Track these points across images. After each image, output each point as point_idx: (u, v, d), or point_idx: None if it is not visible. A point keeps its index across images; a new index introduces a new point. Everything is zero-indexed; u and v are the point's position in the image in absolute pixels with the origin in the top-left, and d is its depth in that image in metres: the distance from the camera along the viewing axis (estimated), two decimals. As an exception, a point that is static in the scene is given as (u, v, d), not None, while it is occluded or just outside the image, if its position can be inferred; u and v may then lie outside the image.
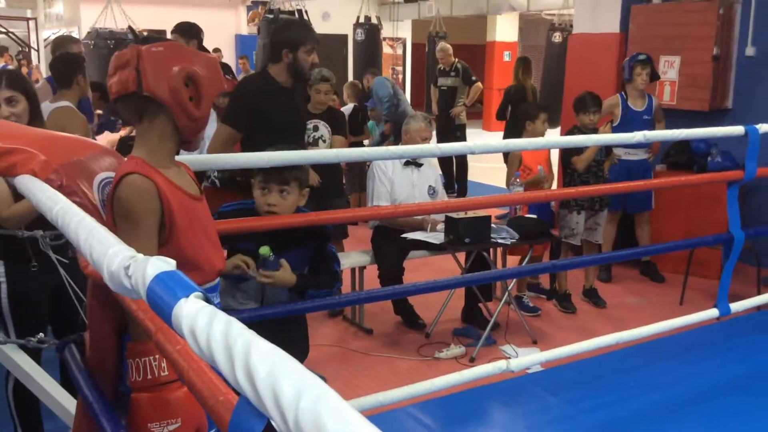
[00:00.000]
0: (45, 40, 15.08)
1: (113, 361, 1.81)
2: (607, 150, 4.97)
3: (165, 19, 10.91)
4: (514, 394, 3.52)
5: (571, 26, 7.74)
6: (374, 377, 3.74)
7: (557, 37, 9.92)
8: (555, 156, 5.18)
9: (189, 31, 4.60)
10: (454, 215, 4.02)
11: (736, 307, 3.88)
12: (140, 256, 1.11)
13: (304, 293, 2.72)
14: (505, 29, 16.30)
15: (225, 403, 1.06)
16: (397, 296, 4.24)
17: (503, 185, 5.14)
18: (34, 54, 16.16)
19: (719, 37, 5.49)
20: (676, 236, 5.13)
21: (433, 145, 4.06)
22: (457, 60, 8.50)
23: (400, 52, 16.02)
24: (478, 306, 4.45)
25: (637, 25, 5.94)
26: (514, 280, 4.56)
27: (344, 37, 13.48)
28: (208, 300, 0.96)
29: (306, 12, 7.83)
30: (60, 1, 15.23)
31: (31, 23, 17.08)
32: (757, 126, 3.69)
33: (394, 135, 7.35)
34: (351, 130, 6.47)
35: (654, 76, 5.24)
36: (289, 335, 2.85)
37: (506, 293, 4.28)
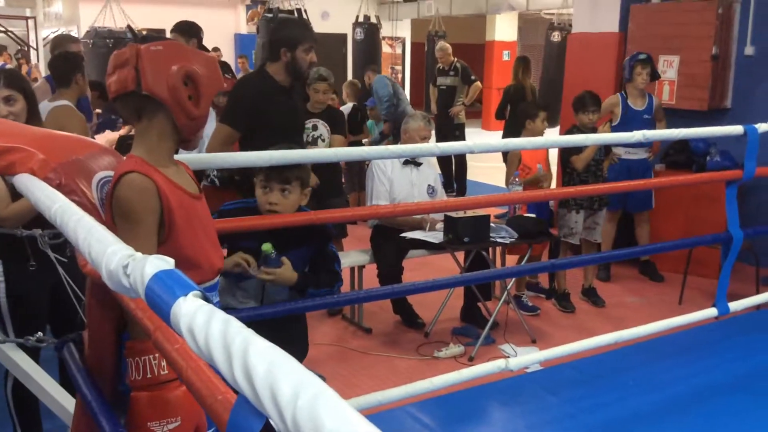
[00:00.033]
0: (44, 39, 15.08)
1: (112, 359, 1.81)
2: (606, 149, 4.97)
3: (164, 18, 10.90)
4: (513, 394, 3.52)
5: (570, 26, 7.74)
6: (373, 376, 3.74)
7: (556, 37, 9.92)
8: (554, 155, 5.18)
9: (189, 30, 4.59)
10: (453, 214, 4.02)
11: (734, 306, 3.89)
12: (139, 254, 1.11)
13: (304, 292, 2.72)
14: (504, 29, 16.30)
15: (223, 402, 1.06)
16: (396, 295, 4.25)
17: (502, 184, 5.15)
18: (33, 53, 16.15)
19: (718, 36, 5.49)
20: (675, 236, 5.13)
21: (432, 144, 4.06)
22: (456, 59, 8.50)
23: (399, 51, 16.02)
24: (477, 305, 4.45)
25: (636, 25, 5.94)
26: (513, 279, 4.56)
27: (343, 37, 13.48)
28: (206, 299, 0.96)
29: (305, 11, 7.82)
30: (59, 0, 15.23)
31: (30, 22, 17.07)
32: (756, 125, 3.69)
33: (393, 135, 7.36)
34: (350, 129, 6.47)
35: (654, 76, 5.24)
36: (290, 334, 2.85)
37: (505, 292, 4.29)
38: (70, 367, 1.92)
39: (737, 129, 3.68)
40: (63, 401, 2.25)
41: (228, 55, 13.58)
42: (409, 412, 3.26)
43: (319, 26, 9.76)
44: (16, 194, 2.23)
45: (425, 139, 4.44)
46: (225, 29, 14.85)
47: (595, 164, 4.78)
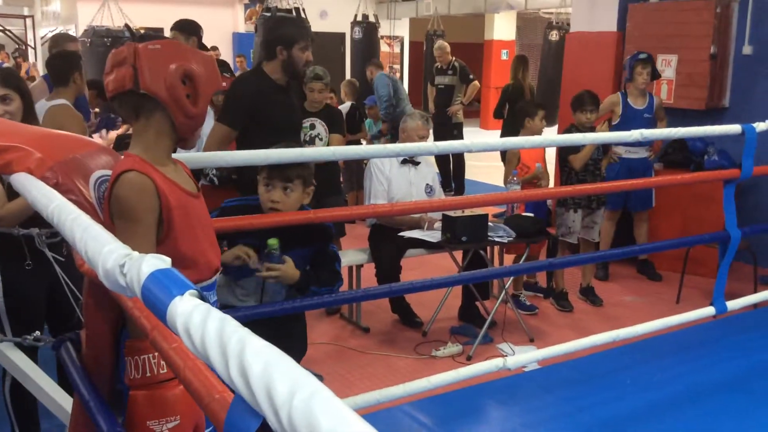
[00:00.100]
0: (42, 37, 15.05)
1: (109, 359, 1.81)
2: (604, 148, 4.97)
3: (162, 17, 10.88)
4: (511, 392, 3.52)
5: (569, 25, 7.74)
6: (371, 375, 3.74)
7: (554, 36, 9.93)
8: (551, 155, 5.18)
9: (189, 28, 4.58)
10: (451, 213, 4.02)
11: (732, 305, 3.89)
12: (135, 253, 1.11)
13: (306, 290, 2.72)
14: (502, 28, 16.30)
15: (221, 401, 1.06)
16: (394, 294, 4.24)
17: (500, 183, 5.15)
18: (30, 52, 16.13)
19: (716, 35, 5.50)
20: (672, 234, 5.14)
21: (431, 143, 4.06)
22: (454, 58, 8.50)
23: (397, 50, 16.02)
24: (475, 304, 4.45)
25: (634, 24, 5.94)
26: (511, 278, 4.57)
27: (342, 36, 13.47)
28: (203, 298, 0.96)
29: (303, 10, 7.80)
30: (57, -2, 15.21)
31: (28, 21, 17.04)
32: (754, 124, 3.69)
33: (392, 134, 7.36)
34: (348, 128, 6.46)
35: (654, 75, 5.24)
36: (289, 332, 2.85)
37: (503, 291, 4.29)
38: (67, 366, 1.91)
39: (735, 128, 3.69)
40: (61, 401, 2.25)
41: (226, 54, 13.56)
42: (407, 411, 3.26)
43: (317, 25, 9.75)
44: (12, 193, 2.22)
45: (423, 138, 4.44)
46: (223, 28, 14.84)
47: (593, 163, 4.79)
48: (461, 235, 3.98)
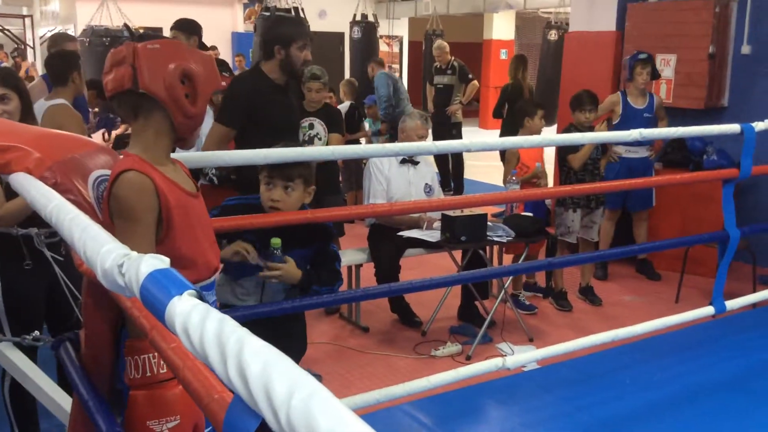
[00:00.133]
0: (41, 37, 15.05)
1: (109, 358, 1.81)
2: (603, 148, 4.97)
3: (161, 17, 10.87)
4: (510, 392, 3.52)
5: (568, 24, 7.74)
6: (370, 375, 3.74)
7: (553, 35, 9.92)
8: (550, 154, 5.18)
9: (189, 28, 4.57)
10: (450, 213, 4.02)
11: (731, 304, 3.89)
12: (134, 253, 1.11)
13: (307, 289, 2.72)
14: (501, 27, 16.29)
15: (220, 402, 1.06)
16: (393, 294, 4.24)
17: (499, 183, 5.15)
18: (29, 51, 16.12)
19: (715, 35, 5.50)
20: (671, 234, 5.14)
21: (430, 143, 4.06)
22: (453, 58, 8.50)
23: (396, 50, 16.02)
24: (475, 304, 4.45)
25: (633, 24, 5.94)
26: (510, 277, 4.57)
27: (341, 35, 13.46)
28: (202, 298, 0.96)
29: (302, 10, 7.80)
30: (56, -2, 15.20)
31: (27, 20, 17.03)
32: (753, 124, 3.69)
33: (390, 134, 7.36)
34: (347, 128, 6.47)
35: (655, 75, 5.24)
36: (289, 332, 2.84)
37: (502, 291, 4.29)
38: (67, 366, 1.91)
39: (734, 127, 3.69)
40: (60, 400, 2.24)
41: (225, 54, 13.55)
42: (407, 411, 3.26)
43: (316, 25, 9.74)
44: (11, 193, 2.22)
45: (422, 137, 4.44)
46: (222, 27, 14.83)
47: (591, 163, 4.79)
48: (460, 235, 3.98)
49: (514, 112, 6.59)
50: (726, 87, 5.68)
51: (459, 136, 8.34)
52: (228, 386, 0.82)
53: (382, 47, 13.60)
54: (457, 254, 4.32)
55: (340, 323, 4.50)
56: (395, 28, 15.10)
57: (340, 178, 6.25)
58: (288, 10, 7.67)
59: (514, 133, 5.29)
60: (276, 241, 2.56)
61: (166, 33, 5.04)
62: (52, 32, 9.39)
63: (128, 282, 1.06)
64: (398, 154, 4.09)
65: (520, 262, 4.45)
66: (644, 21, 5.86)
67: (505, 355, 3.45)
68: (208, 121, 3.44)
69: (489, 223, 4.12)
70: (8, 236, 2.48)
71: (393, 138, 7.05)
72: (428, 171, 4.61)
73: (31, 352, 2.53)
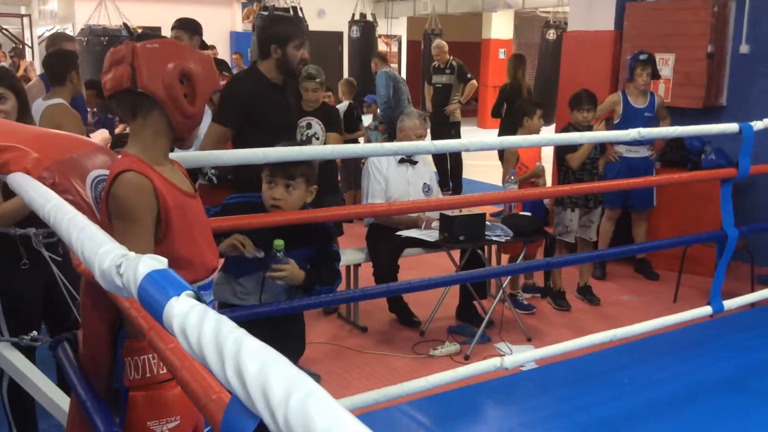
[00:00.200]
0: (39, 37, 15.04)
1: (107, 359, 1.81)
2: (601, 147, 4.98)
3: (160, 16, 10.87)
4: (509, 392, 3.52)
5: (566, 24, 7.74)
6: (369, 375, 3.74)
7: (552, 35, 9.92)
8: (548, 154, 5.18)
9: (192, 27, 4.56)
10: (448, 213, 4.02)
11: (729, 304, 3.89)
12: (132, 254, 1.10)
13: (310, 290, 2.72)
14: (500, 26, 16.30)
15: (218, 402, 1.06)
16: (391, 294, 4.24)
17: (498, 182, 5.15)
18: (28, 51, 16.11)
19: (713, 34, 5.50)
20: (670, 234, 5.15)
21: (429, 142, 4.06)
22: (452, 57, 8.50)
23: (395, 49, 16.02)
24: (473, 303, 4.45)
25: (631, 23, 5.95)
26: (509, 277, 4.57)
27: (339, 35, 13.47)
28: (199, 298, 0.96)
29: (301, 9, 7.80)
30: (54, -3, 15.19)
31: (25, 20, 17.02)
32: (752, 123, 3.69)
33: (389, 134, 7.37)
34: (346, 127, 6.47)
35: (655, 75, 5.24)
36: (288, 332, 2.84)
37: (501, 291, 4.29)
38: (64, 366, 1.91)
39: (733, 127, 3.69)
40: (58, 401, 2.24)
41: (224, 53, 13.55)
42: (405, 411, 3.26)
43: (315, 24, 9.74)
44: (8, 193, 2.22)
45: (421, 137, 4.44)
46: (221, 27, 14.82)
47: (590, 162, 4.79)
48: (459, 235, 3.98)
49: (512, 111, 6.59)
50: (724, 86, 5.68)
51: (457, 135, 8.34)
52: (226, 387, 0.82)
53: (381, 47, 13.59)
54: (456, 254, 4.32)
55: (339, 323, 4.50)
56: (394, 28, 15.10)
57: (339, 178, 6.25)
58: (286, 10, 7.67)
59: (513, 132, 5.29)
60: (279, 243, 2.56)
61: (165, 32, 5.04)
62: (51, 32, 9.39)
63: (126, 282, 1.06)
64: (397, 154, 4.10)
65: (518, 261, 4.45)
66: (643, 20, 5.86)
67: (504, 355, 3.45)
68: (207, 121, 3.44)
69: (487, 222, 4.12)
70: (6, 236, 2.48)
71: (391, 138, 7.05)
72: (427, 170, 4.61)
73: (29, 352, 2.52)
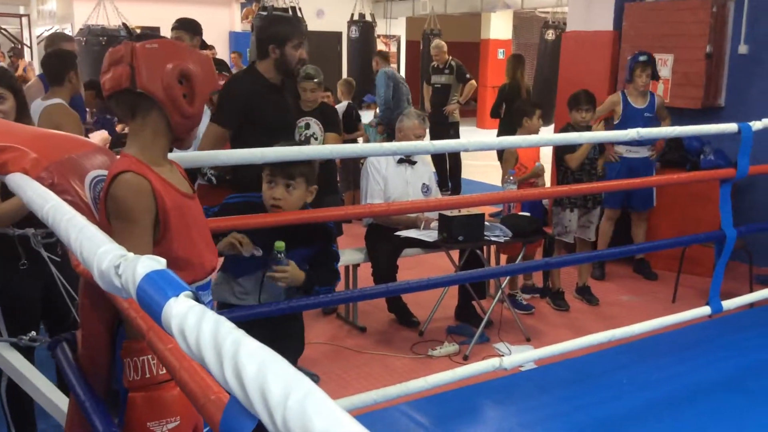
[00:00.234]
0: (38, 37, 15.03)
1: (105, 359, 1.80)
2: (600, 148, 4.98)
3: (159, 16, 10.86)
4: (508, 392, 3.52)
5: (565, 24, 7.75)
6: (367, 375, 3.74)
7: (551, 35, 9.92)
8: (546, 154, 5.18)
9: (193, 28, 4.56)
10: (447, 213, 4.02)
11: (728, 304, 3.90)
12: (130, 254, 1.10)
13: (311, 291, 2.72)
14: (499, 27, 16.30)
15: (216, 403, 1.06)
16: (390, 294, 4.25)
17: (497, 183, 5.15)
18: (26, 51, 16.09)
19: (712, 35, 5.51)
20: (668, 234, 5.15)
21: (428, 142, 4.06)
22: (450, 58, 8.50)
23: (394, 49, 16.01)
24: (472, 304, 4.45)
25: (630, 23, 5.95)
26: (508, 277, 4.57)
27: (338, 35, 13.46)
28: (198, 299, 0.96)
29: (299, 9, 7.80)
30: (53, -3, 15.18)
31: (24, 20, 17.01)
32: (750, 123, 3.69)
33: (388, 134, 7.37)
34: (345, 127, 6.47)
35: (655, 76, 5.23)
36: (287, 332, 2.84)
37: (500, 291, 4.29)
38: (63, 366, 1.91)
39: (731, 127, 3.69)
40: (57, 401, 2.24)
41: (223, 53, 13.54)
42: (404, 411, 3.26)
43: (314, 24, 9.74)
44: (7, 193, 2.22)
45: (420, 137, 4.44)
46: (220, 27, 14.81)
47: (589, 163, 4.79)
48: (458, 235, 3.98)
49: (511, 111, 6.59)
50: (723, 87, 5.69)
51: (457, 135, 8.34)
52: (224, 387, 0.82)
53: (380, 47, 13.60)
54: (455, 254, 4.32)
55: (338, 323, 4.50)
56: (393, 28, 15.09)
57: (338, 178, 6.25)
58: (285, 10, 7.66)
59: (512, 132, 5.29)
60: (280, 245, 2.56)
61: (164, 32, 5.03)
62: (49, 32, 9.38)
63: (125, 283, 1.06)
64: (396, 154, 4.10)
65: (517, 262, 4.45)
66: (641, 20, 5.87)
67: (503, 355, 3.45)
68: (206, 121, 3.44)
69: (486, 222, 4.12)
70: (4, 236, 2.47)
71: (390, 139, 7.06)
72: (426, 171, 4.61)
73: (28, 352, 2.52)
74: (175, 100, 1.74)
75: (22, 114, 2.65)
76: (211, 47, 10.70)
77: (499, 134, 7.79)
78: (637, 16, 5.90)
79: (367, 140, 7.53)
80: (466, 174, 8.73)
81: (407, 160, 4.45)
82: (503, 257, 4.91)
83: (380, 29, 12.54)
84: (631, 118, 5.12)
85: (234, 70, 7.79)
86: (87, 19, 9.32)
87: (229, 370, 0.78)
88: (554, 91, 6.83)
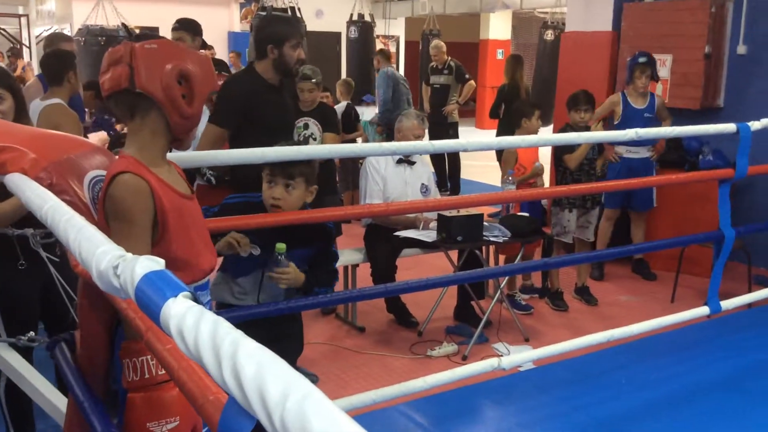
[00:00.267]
0: (37, 37, 15.02)
1: (104, 359, 1.81)
2: (599, 148, 4.98)
3: (157, 16, 10.86)
4: (506, 392, 3.52)
5: (564, 24, 7.75)
6: (366, 375, 3.74)
7: (550, 35, 9.93)
8: (545, 154, 5.18)
9: (194, 28, 4.55)
10: (446, 213, 4.03)
11: (726, 304, 3.90)
12: (129, 255, 1.10)
13: (309, 291, 2.72)
14: (498, 27, 16.31)
15: (215, 403, 1.06)
16: (389, 294, 4.25)
17: (495, 183, 5.15)
18: (25, 51, 16.08)
19: (711, 35, 5.51)
20: (667, 234, 5.15)
21: (427, 142, 4.06)
22: (450, 58, 8.50)
23: (393, 49, 16.01)
24: (471, 304, 4.45)
25: (629, 24, 5.95)
26: (507, 278, 4.57)
27: (337, 35, 13.46)
28: (196, 299, 0.96)
29: (299, 9, 7.80)
30: (52, -3, 15.17)
31: (23, 20, 16.99)
32: (749, 123, 3.70)
33: (387, 134, 7.37)
34: (344, 128, 6.47)
35: (654, 77, 5.23)
36: (286, 332, 2.85)
37: (498, 291, 4.29)
38: (62, 366, 1.91)
39: (730, 127, 3.69)
40: (56, 401, 2.24)
41: (221, 53, 13.54)
42: (403, 411, 3.26)
43: (313, 25, 9.75)
44: (5, 193, 2.21)
45: (419, 137, 4.44)
46: (219, 27, 14.81)
47: (587, 163, 4.79)
48: (457, 235, 3.98)
49: (510, 112, 6.59)
50: (722, 87, 5.69)
51: (456, 136, 8.34)
52: (223, 388, 0.82)
53: (379, 47, 13.61)
54: (454, 254, 4.32)
55: (336, 323, 4.50)
56: (392, 28, 15.09)
57: (337, 178, 6.25)
58: (284, 10, 7.66)
59: (511, 133, 5.29)
60: (281, 247, 2.56)
61: (163, 32, 5.02)
62: (48, 32, 9.37)
63: (123, 283, 1.06)
64: (395, 154, 4.10)
65: (516, 262, 4.46)
66: (640, 21, 5.87)
67: (501, 355, 3.45)
68: (205, 122, 3.44)
69: (485, 223, 4.12)
70: (3, 237, 2.47)
71: (389, 139, 7.06)
72: (425, 171, 4.61)
73: (26, 352, 2.52)
74: (174, 100, 1.74)
75: (20, 114, 2.65)
76: (210, 47, 10.70)
77: (498, 135, 7.79)
78: (636, 17, 5.91)
79: (366, 140, 7.52)
80: (464, 174, 8.73)
81: (406, 160, 4.46)
82: (502, 258, 4.91)
83: (379, 29, 12.54)
84: (631, 118, 5.12)
85: (233, 70, 7.79)
86: (86, 19, 9.31)
87: (228, 370, 0.78)
88: (553, 91, 6.83)
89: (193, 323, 0.87)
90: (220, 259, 2.70)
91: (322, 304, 3.12)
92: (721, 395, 3.50)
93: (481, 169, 9.39)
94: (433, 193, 4.60)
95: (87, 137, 4.12)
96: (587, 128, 4.78)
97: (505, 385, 3.56)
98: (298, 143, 4.45)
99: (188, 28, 4.51)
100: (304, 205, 2.73)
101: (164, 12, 8.58)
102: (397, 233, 4.26)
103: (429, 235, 4.14)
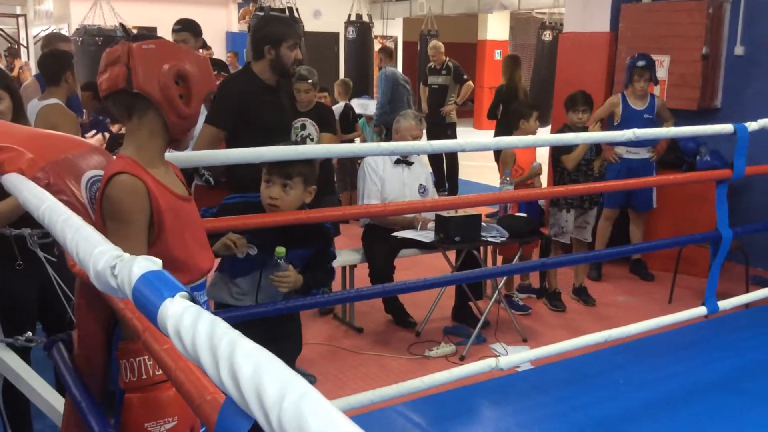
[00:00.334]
0: (34, 37, 15.00)
1: (101, 359, 1.80)
2: (597, 149, 4.98)
3: (156, 17, 10.86)
4: (504, 393, 3.53)
5: (562, 25, 7.75)
6: (364, 376, 3.74)
7: (548, 36, 9.93)
8: (543, 154, 5.19)
9: (195, 29, 4.55)
10: (444, 213, 4.03)
11: (724, 305, 3.90)
12: (126, 255, 1.10)
13: (307, 291, 2.72)
14: (496, 28, 16.32)
15: (212, 403, 1.06)
16: (387, 295, 4.25)
17: (494, 183, 5.15)
18: (23, 51, 16.06)
19: (708, 36, 5.52)
20: (665, 234, 5.16)
21: (425, 142, 4.06)
22: (448, 58, 8.50)
23: (391, 50, 16.00)
24: (469, 304, 4.45)
25: (626, 25, 5.96)
26: (504, 278, 4.57)
27: (335, 36, 13.46)
28: (193, 300, 0.96)
29: (296, 9, 7.80)
30: (49, -3, 15.16)
31: (21, 20, 16.97)
32: (746, 124, 3.70)
33: (386, 134, 7.37)
34: (342, 128, 6.47)
35: (654, 80, 5.22)
36: (285, 332, 2.84)
37: (496, 291, 4.29)
38: (59, 366, 1.91)
39: (727, 128, 3.70)
40: (53, 401, 2.24)
41: (219, 53, 13.53)
42: (400, 412, 3.26)
43: (311, 25, 9.75)
44: (3, 193, 2.21)
45: (417, 138, 4.44)
46: (217, 27, 14.80)
47: (585, 163, 4.80)
48: (454, 235, 3.98)
49: (508, 113, 6.59)
50: (719, 88, 5.70)
51: (453, 136, 8.34)
52: (220, 388, 0.82)
53: (377, 47, 13.61)
54: (451, 255, 4.32)
55: (334, 324, 4.50)
56: (390, 29, 15.10)
57: (335, 179, 6.25)
58: (282, 10, 7.66)
59: (509, 133, 5.29)
60: (281, 250, 2.56)
61: (161, 32, 5.02)
62: (46, 32, 9.36)
63: (121, 284, 1.06)
64: (393, 154, 4.10)
65: (514, 262, 4.46)
66: (638, 22, 5.88)
67: (499, 356, 3.45)
68: (203, 122, 3.43)
69: (483, 223, 4.12)
70: (1, 237, 2.47)
71: (388, 139, 7.06)
72: (422, 171, 4.62)
73: (24, 352, 2.52)
74: (171, 100, 1.74)
75: (18, 114, 2.65)
76: (209, 47, 10.70)
77: (496, 135, 7.79)
78: (634, 18, 5.91)
79: (363, 140, 7.53)
80: (462, 175, 8.73)
81: (404, 160, 4.46)
82: (500, 258, 4.91)
83: (377, 30, 12.54)
84: (630, 119, 5.12)
85: (231, 70, 7.79)
86: (84, 19, 9.30)
87: (225, 370, 0.78)
88: (551, 92, 6.84)
89: (190, 323, 0.87)
90: (218, 260, 2.70)
91: (320, 304, 3.12)
92: (719, 395, 3.51)
93: (478, 169, 9.39)
94: (431, 194, 4.60)
95: (84, 137, 4.12)
96: (585, 129, 4.79)
97: (503, 386, 3.56)
98: (296, 144, 4.46)
99: (191, 29, 4.51)
100: (302, 206, 2.73)
101: (162, 12, 8.58)
102: (395, 233, 4.26)
103: (427, 236, 4.14)
